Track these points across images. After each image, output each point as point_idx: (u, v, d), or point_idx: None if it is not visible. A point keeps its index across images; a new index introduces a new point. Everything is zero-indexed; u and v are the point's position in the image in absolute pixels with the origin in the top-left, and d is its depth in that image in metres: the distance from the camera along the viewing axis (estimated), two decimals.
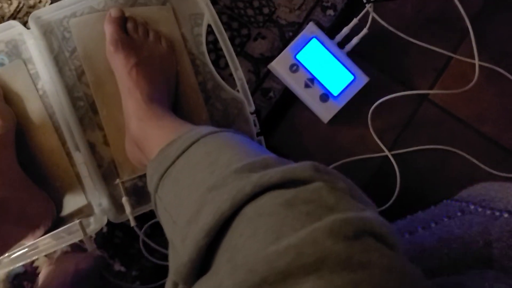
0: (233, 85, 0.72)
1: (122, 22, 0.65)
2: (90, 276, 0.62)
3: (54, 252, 0.68)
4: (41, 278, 0.63)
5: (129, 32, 0.65)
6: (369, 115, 0.74)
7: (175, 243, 0.36)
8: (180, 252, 0.34)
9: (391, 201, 0.75)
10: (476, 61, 0.74)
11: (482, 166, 0.76)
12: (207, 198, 0.35)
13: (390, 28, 0.77)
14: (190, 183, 0.39)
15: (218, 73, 0.72)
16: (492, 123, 0.78)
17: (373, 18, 0.74)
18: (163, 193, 0.44)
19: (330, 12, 0.77)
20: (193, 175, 0.40)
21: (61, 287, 0.58)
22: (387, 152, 0.76)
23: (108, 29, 0.64)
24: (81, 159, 0.66)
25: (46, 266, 0.65)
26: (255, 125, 0.71)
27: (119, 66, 0.62)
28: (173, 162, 0.43)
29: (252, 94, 0.74)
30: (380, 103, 0.73)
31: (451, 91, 0.75)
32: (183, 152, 0.43)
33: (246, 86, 0.71)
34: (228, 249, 0.31)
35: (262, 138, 0.71)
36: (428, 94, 0.77)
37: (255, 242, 0.29)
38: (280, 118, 0.76)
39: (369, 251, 0.27)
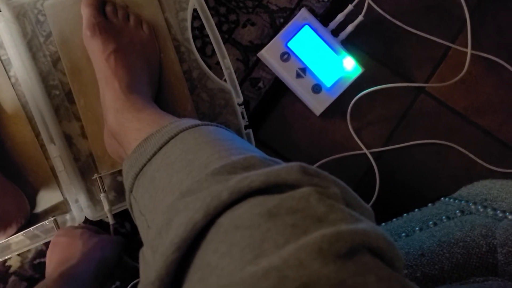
0: (220, 74, 0.68)
1: (100, 5, 0.61)
2: (113, 262, 0.58)
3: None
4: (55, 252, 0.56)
5: (108, 16, 0.61)
6: (348, 110, 0.71)
7: (145, 253, 0.32)
8: (149, 265, 0.30)
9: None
10: (469, 50, 0.72)
11: (480, 161, 0.74)
12: (179, 205, 0.31)
13: (387, 16, 0.73)
14: (166, 184, 0.35)
15: (205, 62, 0.68)
16: (490, 116, 0.75)
17: (369, 4, 0.70)
18: (138, 194, 0.40)
19: None
20: (169, 175, 0.36)
21: (86, 275, 0.52)
22: (365, 150, 0.73)
23: (85, 12, 0.59)
24: (56, 152, 0.62)
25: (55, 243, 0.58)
26: (243, 117, 0.67)
27: (96, 52, 0.57)
28: (149, 160, 0.39)
29: (241, 84, 0.70)
30: (375, 95, 0.70)
31: (442, 84, 0.72)
32: (160, 148, 0.39)
33: (234, 76, 0.67)
34: (200, 266, 0.27)
35: (250, 131, 0.67)
36: (424, 86, 0.74)
37: (230, 260, 0.25)
38: (270, 110, 0.72)
39: (364, 272, 0.23)
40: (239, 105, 0.67)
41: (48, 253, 0.57)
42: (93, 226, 0.64)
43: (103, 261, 0.55)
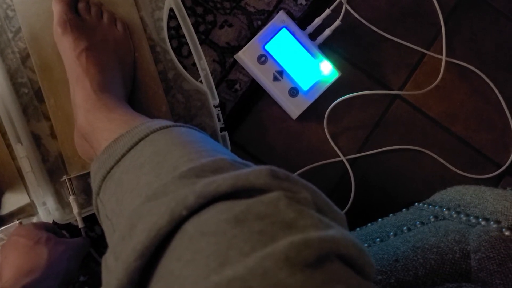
0: (196, 75, 0.66)
1: (72, 1, 0.59)
2: (76, 273, 0.56)
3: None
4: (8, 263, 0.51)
5: (80, 13, 0.59)
6: (325, 116, 0.71)
7: (108, 259, 0.30)
8: (111, 272, 0.28)
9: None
10: (443, 57, 0.73)
11: (452, 167, 0.74)
12: (144, 209, 0.29)
13: (363, 21, 0.73)
14: (133, 187, 0.34)
15: (180, 62, 0.67)
16: (463, 122, 0.76)
17: (346, 9, 0.70)
18: (105, 197, 0.38)
19: (302, 1, 0.72)
20: (137, 177, 0.34)
21: None
22: (342, 158, 0.73)
23: (56, 9, 0.57)
24: (23, 152, 0.59)
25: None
26: (219, 119, 0.66)
27: (67, 50, 0.55)
28: (118, 162, 0.38)
29: (217, 86, 0.69)
30: (351, 100, 0.70)
31: (415, 92, 0.72)
32: (129, 149, 0.38)
33: (210, 77, 0.66)
34: (164, 275, 0.26)
35: (226, 133, 0.66)
36: (400, 94, 0.74)
37: (194, 269, 0.24)
38: (246, 113, 0.71)
39: (333, 281, 0.22)
40: (215, 107, 0.66)
41: (3, 252, 0.52)
42: (53, 225, 0.60)
43: (67, 273, 0.52)
